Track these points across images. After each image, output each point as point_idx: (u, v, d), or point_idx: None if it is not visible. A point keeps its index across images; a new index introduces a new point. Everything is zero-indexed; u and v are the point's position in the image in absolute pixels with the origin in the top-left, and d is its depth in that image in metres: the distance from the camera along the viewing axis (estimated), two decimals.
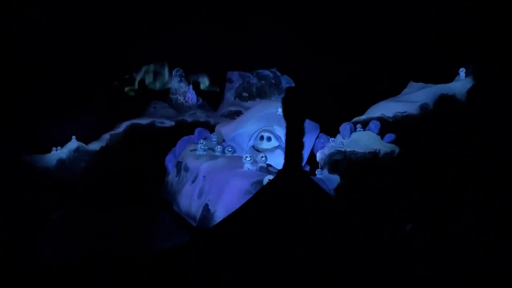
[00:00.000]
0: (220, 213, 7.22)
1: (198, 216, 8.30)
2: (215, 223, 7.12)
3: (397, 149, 13.01)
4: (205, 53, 22.85)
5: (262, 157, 8.77)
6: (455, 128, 12.88)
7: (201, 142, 11.72)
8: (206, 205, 8.00)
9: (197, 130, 13.88)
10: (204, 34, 22.69)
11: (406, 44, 17.55)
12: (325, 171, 13.40)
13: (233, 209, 6.77)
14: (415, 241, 9.18)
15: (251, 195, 7.05)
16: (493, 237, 8.87)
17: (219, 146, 11.54)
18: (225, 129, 16.37)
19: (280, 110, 16.20)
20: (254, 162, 8.87)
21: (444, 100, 13.75)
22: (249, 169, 8.49)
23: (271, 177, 7.22)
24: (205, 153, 11.22)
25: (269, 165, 9.48)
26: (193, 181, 9.62)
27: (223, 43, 23.01)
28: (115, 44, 21.62)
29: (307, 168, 15.59)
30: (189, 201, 9.22)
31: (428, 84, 14.95)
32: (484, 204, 10.61)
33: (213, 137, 13.28)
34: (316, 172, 13.54)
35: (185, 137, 13.74)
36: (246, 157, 8.61)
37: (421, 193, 11.80)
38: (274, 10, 22.17)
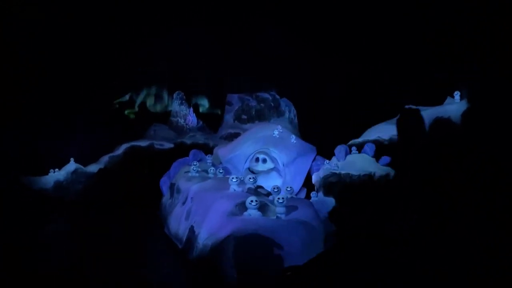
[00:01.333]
0: (203, 235, 7.14)
1: (184, 238, 8.27)
2: (198, 245, 7.08)
3: (392, 172, 12.98)
4: (205, 57, 23.06)
5: (250, 178, 8.75)
6: (450, 150, 12.81)
7: (194, 163, 11.75)
8: (192, 226, 7.93)
9: (191, 152, 13.92)
10: (203, 40, 22.95)
11: (403, 66, 17.66)
12: (321, 194, 13.37)
13: (216, 231, 6.74)
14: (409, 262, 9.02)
15: (234, 217, 7.02)
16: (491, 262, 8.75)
17: (212, 168, 11.56)
18: (222, 151, 16.39)
19: (276, 133, 16.24)
20: (241, 183, 8.86)
21: (439, 123, 13.72)
22: (235, 190, 8.46)
23: (254, 198, 7.17)
24: (197, 174, 11.23)
25: (259, 186, 9.45)
26: (183, 203, 9.60)
27: (223, 46, 23.23)
28: (115, 62, 21.91)
29: (303, 192, 15.55)
30: (178, 223, 9.18)
31: (423, 107, 14.95)
32: (482, 226, 10.47)
33: (208, 159, 13.30)
34: (311, 194, 13.50)
35: (180, 159, 13.77)
36: (232, 178, 8.59)
37: (417, 216, 11.71)
38: (273, 16, 22.46)
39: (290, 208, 7.72)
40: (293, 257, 6.06)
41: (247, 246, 6.07)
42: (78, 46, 20.33)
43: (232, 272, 5.89)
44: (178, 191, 10.63)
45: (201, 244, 7.00)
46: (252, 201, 7.09)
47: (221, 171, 10.92)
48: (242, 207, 7.28)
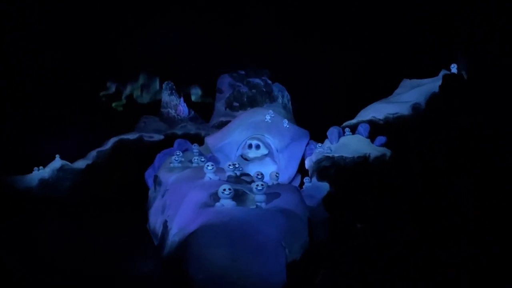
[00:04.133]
0: (174, 230, 6.43)
1: (159, 233, 7.60)
2: (169, 241, 6.39)
3: (388, 152, 12.38)
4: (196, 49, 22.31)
5: (229, 165, 8.04)
6: (449, 127, 12.21)
7: (177, 153, 11.08)
8: (165, 221, 7.24)
9: (176, 142, 13.31)
10: (194, 30, 22.18)
11: (397, 43, 16.96)
12: (314, 179, 12.75)
13: (186, 225, 6.04)
14: (412, 246, 8.52)
15: (206, 208, 6.30)
16: (492, 237, 8.36)
17: (196, 157, 10.88)
18: (211, 139, 15.76)
19: (268, 117, 15.57)
20: (219, 170, 8.17)
21: (436, 98, 13.11)
22: (210, 179, 7.75)
23: (226, 186, 6.42)
24: (180, 165, 10.56)
25: (244, 174, 8.77)
26: (163, 196, 8.95)
27: (215, 39, 22.48)
28: (102, 56, 21.19)
29: (298, 178, 14.93)
30: (156, 217, 8.53)
31: (421, 80, 14.34)
32: (483, 206, 10.02)
33: (195, 148, 12.65)
34: (304, 180, 12.87)
35: (165, 150, 13.14)
36: (208, 165, 7.87)
37: (415, 197, 11.17)
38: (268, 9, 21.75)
39: (272, 195, 7.01)
40: (269, 250, 5.36)
41: (215, 241, 5.36)
42: (61, 57, 19.63)
43: (197, 273, 5.18)
44: (160, 183, 9.98)
45: (170, 241, 6.33)
46: (224, 189, 6.35)
47: (203, 159, 10.23)
48: (216, 197, 6.59)
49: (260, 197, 6.70)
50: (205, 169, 7.81)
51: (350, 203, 11.48)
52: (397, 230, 10.07)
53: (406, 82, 14.73)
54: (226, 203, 6.37)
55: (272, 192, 7.13)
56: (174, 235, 6.21)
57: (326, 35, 19.95)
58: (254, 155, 14.76)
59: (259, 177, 7.61)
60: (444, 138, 11.90)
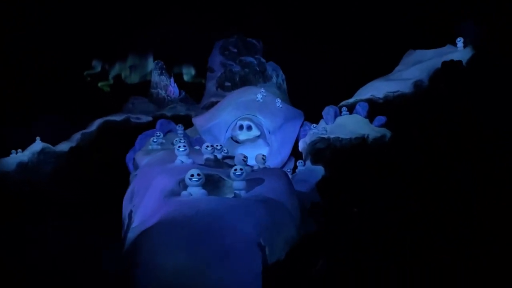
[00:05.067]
0: (136, 223, 5.51)
1: (125, 225, 6.70)
2: (130, 235, 5.44)
3: (388, 133, 11.59)
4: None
5: (207, 146, 7.09)
6: (453, 106, 11.34)
7: (157, 134, 10.22)
8: (131, 211, 6.32)
9: (158, 122, 12.45)
10: (184, 9, 21.24)
11: (400, 15, 16.01)
12: (308, 162, 11.94)
13: (148, 218, 5.08)
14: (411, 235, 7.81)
15: (171, 198, 5.31)
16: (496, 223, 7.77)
17: (176, 139, 10.00)
18: (199, 120, 14.90)
19: (260, 97, 14.68)
20: (197, 152, 7.24)
21: (440, 75, 12.21)
22: (182, 162, 6.77)
23: (195, 171, 5.41)
24: (159, 147, 9.67)
25: (227, 157, 7.85)
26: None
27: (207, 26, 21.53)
28: (89, 34, 20.23)
29: (292, 161, 14.16)
30: (126, 205, 7.62)
31: (426, 52, 13.48)
32: (487, 194, 9.28)
33: (179, 129, 11.80)
34: (298, 163, 12.10)
35: (147, 131, 12.23)
36: (179, 147, 6.87)
37: (416, 181, 10.36)
38: None
39: (255, 181, 6.05)
40: (241, 253, 4.37)
41: (172, 243, 4.30)
42: (43, 17, 18.64)
43: (146, 284, 4.11)
44: (137, 167, 9.10)
45: (128, 237, 5.37)
46: (192, 175, 5.35)
47: (182, 140, 9.32)
48: (185, 184, 5.63)
49: (238, 184, 5.70)
50: (176, 151, 6.84)
51: (346, 187, 10.69)
52: (396, 215, 9.30)
53: (410, 56, 13.82)
54: (195, 191, 5.39)
55: (255, 177, 6.18)
56: (132, 230, 5.27)
57: (323, 11, 18.96)
58: (246, 137, 14.01)
59: (245, 160, 6.69)
60: (448, 118, 11.05)
